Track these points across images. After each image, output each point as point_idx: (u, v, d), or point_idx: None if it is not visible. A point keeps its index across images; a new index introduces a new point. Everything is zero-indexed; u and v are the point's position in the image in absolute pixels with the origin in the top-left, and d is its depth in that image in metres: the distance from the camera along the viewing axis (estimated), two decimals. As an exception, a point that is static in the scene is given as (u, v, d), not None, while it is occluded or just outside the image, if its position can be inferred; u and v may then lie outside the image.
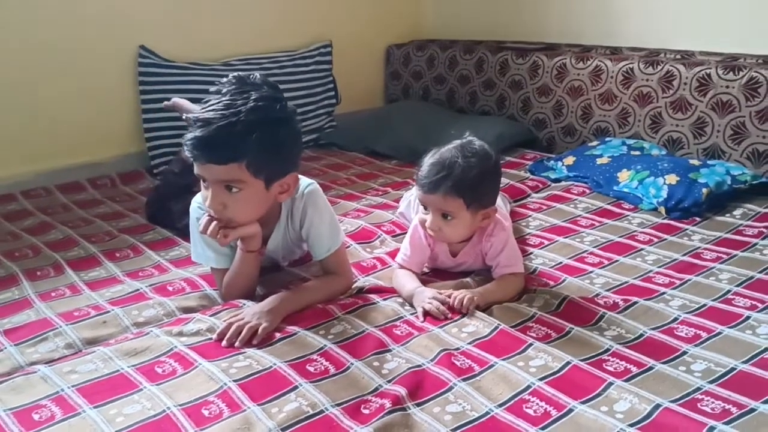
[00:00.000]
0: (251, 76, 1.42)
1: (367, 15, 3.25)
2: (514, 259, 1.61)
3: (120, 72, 2.56)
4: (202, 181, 1.43)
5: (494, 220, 1.62)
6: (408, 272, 1.59)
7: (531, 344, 1.31)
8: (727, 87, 2.27)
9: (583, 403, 1.14)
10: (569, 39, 2.89)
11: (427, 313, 1.44)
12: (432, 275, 1.68)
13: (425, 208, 1.58)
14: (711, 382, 1.21)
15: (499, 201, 1.79)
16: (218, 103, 1.37)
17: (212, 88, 1.42)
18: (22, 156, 2.41)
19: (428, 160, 1.56)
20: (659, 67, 2.44)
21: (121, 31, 2.53)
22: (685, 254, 1.76)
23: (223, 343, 1.32)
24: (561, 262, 1.74)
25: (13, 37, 2.31)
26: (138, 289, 1.61)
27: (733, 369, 1.24)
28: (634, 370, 1.25)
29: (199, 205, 1.53)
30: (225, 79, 1.41)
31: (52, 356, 1.33)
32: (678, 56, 2.51)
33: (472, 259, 1.66)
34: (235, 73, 1.43)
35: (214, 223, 1.42)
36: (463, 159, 1.52)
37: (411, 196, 1.94)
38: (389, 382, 1.21)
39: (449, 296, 1.47)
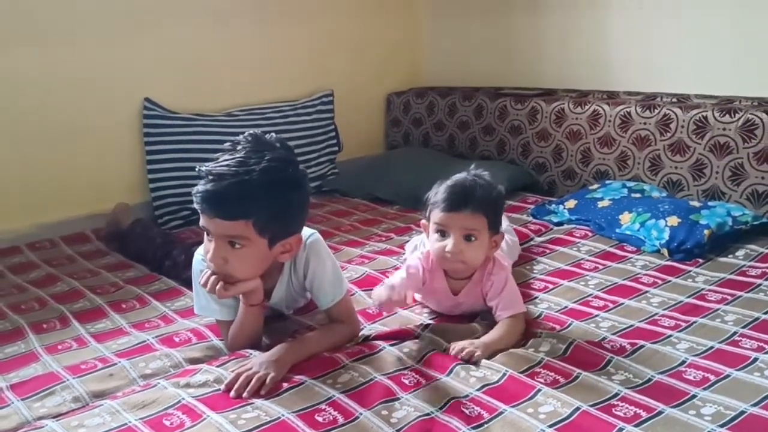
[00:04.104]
0: (267, 136, 1.45)
1: (367, 64, 3.32)
2: (515, 300, 1.62)
3: (124, 124, 2.60)
4: (205, 234, 1.44)
5: (494, 259, 1.64)
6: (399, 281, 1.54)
7: (539, 390, 1.31)
8: (724, 129, 2.30)
9: (594, 449, 1.14)
10: (566, 84, 2.94)
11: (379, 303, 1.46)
12: (436, 320, 1.68)
13: (442, 234, 1.58)
14: (721, 426, 1.20)
15: (504, 246, 1.81)
16: (232, 159, 1.38)
17: (226, 144, 1.43)
18: (27, 208, 2.43)
19: (443, 186, 1.59)
20: (656, 111, 2.48)
21: (125, 83, 2.57)
22: (689, 296, 1.77)
23: (231, 393, 1.32)
24: (566, 306, 1.74)
25: (18, 89, 2.35)
26: (144, 341, 1.61)
27: (743, 412, 1.24)
28: (644, 414, 1.24)
29: (202, 257, 1.53)
30: (241, 136, 1.43)
31: (59, 410, 1.32)
32: (674, 99, 2.55)
33: (473, 299, 1.66)
34: (252, 131, 1.45)
35: (214, 277, 1.43)
36: (481, 180, 1.58)
37: (417, 241, 1.96)
38: (398, 431, 1.21)
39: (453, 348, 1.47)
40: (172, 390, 1.34)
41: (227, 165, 1.37)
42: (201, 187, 1.38)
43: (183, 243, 2.20)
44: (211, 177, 1.37)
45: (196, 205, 1.40)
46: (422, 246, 1.87)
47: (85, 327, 1.71)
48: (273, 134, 1.46)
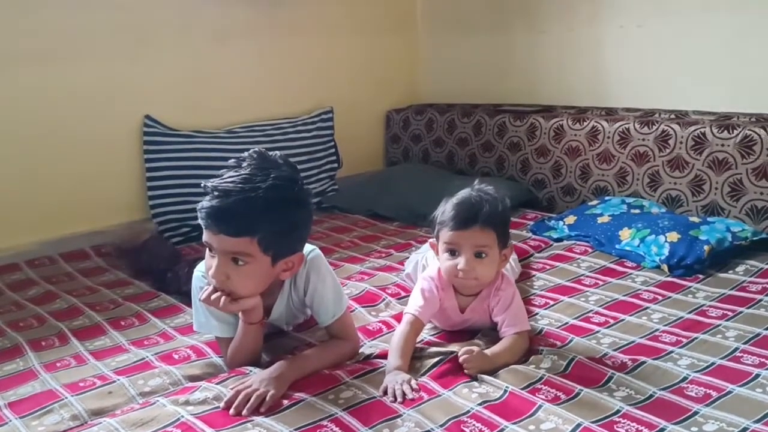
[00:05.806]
0: (272, 154, 1.45)
1: (366, 81, 3.33)
2: (521, 317, 1.61)
3: (124, 141, 2.60)
4: (208, 250, 1.44)
5: (502, 275, 1.64)
6: (404, 340, 1.53)
7: (541, 406, 1.30)
8: (722, 145, 2.31)
9: (596, 467, 1.13)
10: (565, 101, 2.95)
11: (386, 392, 1.38)
12: (437, 336, 1.67)
13: (452, 253, 1.58)
14: (724, 443, 1.19)
15: (508, 266, 1.80)
16: (237, 176, 1.38)
17: (231, 160, 1.44)
18: (26, 225, 2.42)
19: (450, 205, 1.58)
20: (654, 127, 2.49)
21: (126, 101, 2.58)
22: (690, 312, 1.77)
23: (231, 411, 1.31)
24: (567, 323, 1.74)
25: (18, 106, 2.36)
26: (143, 358, 1.60)
27: (745, 429, 1.23)
28: (647, 432, 1.23)
29: (202, 274, 1.53)
30: (246, 153, 1.43)
31: (57, 429, 1.31)
32: (672, 116, 2.56)
33: (479, 315, 1.65)
34: (257, 149, 1.45)
35: (217, 293, 1.43)
36: (487, 196, 1.58)
37: (418, 257, 1.95)
38: (399, 449, 1.20)
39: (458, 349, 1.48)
40: (171, 408, 1.33)
41: (233, 182, 1.37)
42: (206, 203, 1.38)
43: (188, 259, 2.20)
44: (217, 193, 1.37)
45: (200, 221, 1.40)
46: (425, 260, 1.87)
47: (84, 344, 1.70)
48: (278, 152, 1.47)
